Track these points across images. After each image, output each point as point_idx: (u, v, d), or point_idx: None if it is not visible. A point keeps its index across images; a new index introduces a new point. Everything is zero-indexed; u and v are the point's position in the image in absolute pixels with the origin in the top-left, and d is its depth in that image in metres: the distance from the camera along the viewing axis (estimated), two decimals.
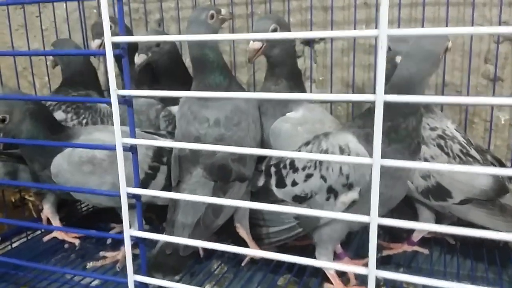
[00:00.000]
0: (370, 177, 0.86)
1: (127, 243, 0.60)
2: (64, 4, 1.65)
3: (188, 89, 1.19)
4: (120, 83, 0.64)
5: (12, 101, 1.00)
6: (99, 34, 1.25)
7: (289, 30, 1.17)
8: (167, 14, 1.57)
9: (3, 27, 1.72)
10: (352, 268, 0.56)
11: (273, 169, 1.03)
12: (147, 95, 0.53)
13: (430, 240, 1.20)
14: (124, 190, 0.58)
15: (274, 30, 1.10)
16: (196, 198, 0.62)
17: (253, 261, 1.15)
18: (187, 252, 0.95)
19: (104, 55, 0.53)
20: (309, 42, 1.44)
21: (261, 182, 1.06)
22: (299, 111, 1.15)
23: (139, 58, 1.10)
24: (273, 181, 1.02)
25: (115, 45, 0.54)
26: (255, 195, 1.07)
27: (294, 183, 0.97)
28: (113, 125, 1.11)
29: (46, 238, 1.31)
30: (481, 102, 0.47)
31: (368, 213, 0.87)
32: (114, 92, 0.54)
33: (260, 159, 1.11)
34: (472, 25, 1.25)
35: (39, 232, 1.37)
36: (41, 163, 1.05)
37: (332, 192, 0.92)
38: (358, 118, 0.96)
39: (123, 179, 0.58)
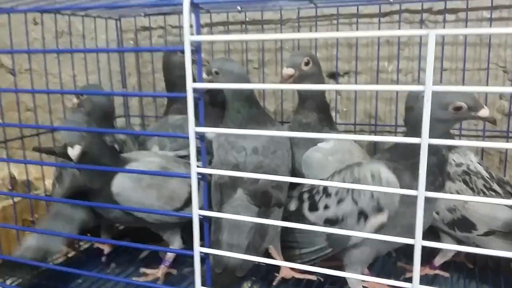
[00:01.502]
0: (398, 202, 0.96)
1: (197, 259, 0.69)
2: (105, 37, 1.76)
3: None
4: None
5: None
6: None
7: (319, 65, 1.26)
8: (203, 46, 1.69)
9: (51, 58, 1.82)
10: (396, 282, 0.64)
11: (306, 195, 1.12)
12: (221, 132, 0.62)
13: (450, 264, 1.27)
14: (196, 212, 0.67)
15: (307, 63, 1.20)
16: (268, 221, 0.71)
17: (284, 280, 1.22)
18: (242, 273, 1.04)
19: (185, 97, 0.63)
20: (334, 76, 1.54)
21: (293, 207, 1.14)
22: (329, 141, 1.24)
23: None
24: (305, 205, 1.10)
25: (195, 90, 0.64)
26: (286, 220, 1.14)
27: (326, 207, 1.05)
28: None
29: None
30: None
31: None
32: (192, 129, 0.64)
33: (291, 186, 1.19)
34: (488, 65, 1.35)
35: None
36: (101, 183, 1.11)
37: (362, 215, 1.00)
38: (386, 151, 1.05)
39: (196, 203, 0.67)
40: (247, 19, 1.60)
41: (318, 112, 1.26)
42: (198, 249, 0.70)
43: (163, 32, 1.74)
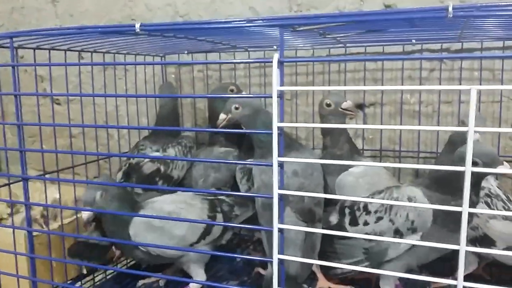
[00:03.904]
0: (430, 223, 1.10)
1: (275, 264, 0.86)
2: (144, 70, 1.93)
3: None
4: None
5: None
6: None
7: None
8: (238, 81, 1.86)
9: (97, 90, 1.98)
10: (443, 280, 0.79)
11: (347, 210, 1.24)
12: (298, 161, 0.77)
13: (470, 277, 1.41)
14: (276, 226, 0.84)
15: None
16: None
17: None
18: (302, 279, 1.19)
19: (268, 133, 0.80)
20: (361, 107, 1.71)
21: (334, 220, 1.27)
22: (360, 166, 1.40)
23: (221, 118, 1.31)
24: (346, 219, 1.23)
25: (279, 128, 0.80)
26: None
27: (366, 223, 1.18)
28: None
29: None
30: None
31: (425, 255, 1.14)
32: (276, 159, 0.81)
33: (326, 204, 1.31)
34: (501, 98, 1.53)
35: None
36: (121, 232, 1.27)
37: (398, 234, 1.13)
38: (427, 178, 1.17)
39: (276, 219, 0.83)
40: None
41: (349, 143, 1.44)
42: (276, 256, 0.85)
43: (202, 67, 1.92)
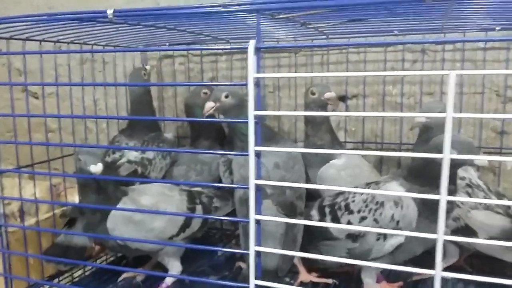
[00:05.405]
0: (415, 224, 1.07)
1: (252, 256, 0.84)
2: (123, 63, 1.90)
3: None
4: None
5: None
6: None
7: None
8: (219, 73, 1.84)
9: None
10: (421, 271, 0.78)
11: (327, 209, 1.21)
12: (273, 150, 0.75)
13: (451, 267, 1.39)
14: (253, 217, 0.82)
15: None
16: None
17: (302, 284, 1.32)
18: (283, 273, 1.17)
19: (247, 122, 0.78)
20: (343, 98, 1.70)
21: (316, 218, 1.24)
22: (341, 158, 1.39)
23: (208, 106, 1.25)
24: (328, 219, 1.20)
25: (256, 117, 0.78)
26: (310, 231, 1.23)
27: (349, 223, 1.15)
28: None
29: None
30: None
31: (411, 251, 1.12)
32: (252, 148, 0.79)
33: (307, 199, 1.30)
34: (483, 89, 1.53)
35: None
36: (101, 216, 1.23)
37: (382, 234, 1.10)
38: (406, 169, 1.15)
39: (253, 209, 0.82)
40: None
41: (331, 133, 1.43)
42: (253, 248, 0.83)
43: (184, 60, 1.89)
